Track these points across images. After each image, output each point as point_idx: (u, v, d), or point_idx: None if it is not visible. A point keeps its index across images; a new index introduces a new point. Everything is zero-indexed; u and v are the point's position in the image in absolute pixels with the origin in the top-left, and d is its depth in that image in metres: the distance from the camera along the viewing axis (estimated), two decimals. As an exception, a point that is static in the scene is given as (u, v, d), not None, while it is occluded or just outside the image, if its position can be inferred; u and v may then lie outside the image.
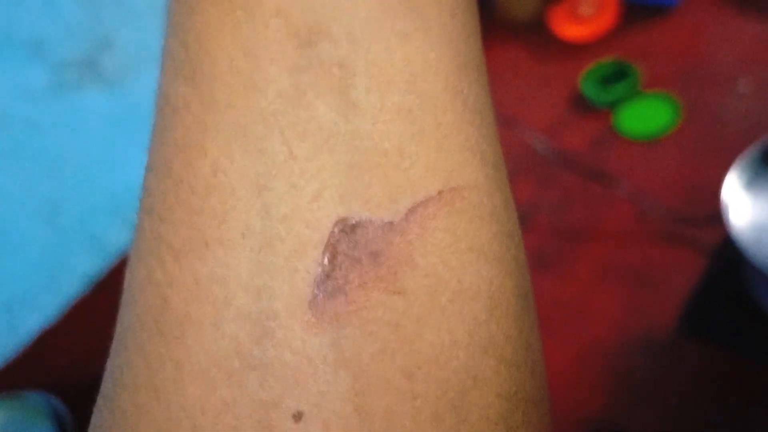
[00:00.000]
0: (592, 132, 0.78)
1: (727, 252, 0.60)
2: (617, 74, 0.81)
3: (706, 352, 0.55)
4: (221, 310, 0.11)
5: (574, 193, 0.72)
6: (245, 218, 0.12)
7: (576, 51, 0.89)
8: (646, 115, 0.76)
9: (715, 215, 0.57)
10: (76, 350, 0.71)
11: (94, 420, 0.13)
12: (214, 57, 0.12)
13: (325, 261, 0.11)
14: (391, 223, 0.11)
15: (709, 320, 0.57)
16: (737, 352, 0.54)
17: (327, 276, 0.11)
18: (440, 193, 0.12)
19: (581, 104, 0.81)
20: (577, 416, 0.55)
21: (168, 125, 0.13)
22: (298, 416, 0.11)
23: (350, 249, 0.11)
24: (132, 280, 0.13)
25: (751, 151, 0.56)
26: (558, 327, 0.61)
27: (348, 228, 0.11)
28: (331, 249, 0.11)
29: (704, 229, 0.63)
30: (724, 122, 0.73)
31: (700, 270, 0.60)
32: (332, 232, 0.11)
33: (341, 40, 0.12)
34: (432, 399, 0.11)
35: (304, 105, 0.12)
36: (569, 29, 0.90)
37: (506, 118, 0.79)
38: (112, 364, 0.13)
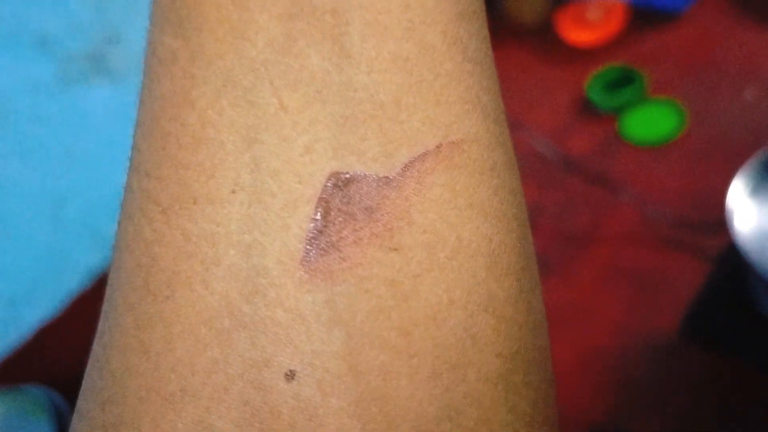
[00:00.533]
0: (597, 137, 0.78)
1: (730, 259, 0.60)
2: (623, 80, 0.81)
3: (709, 358, 0.55)
4: (211, 267, 0.11)
5: (578, 197, 0.72)
6: (234, 173, 0.11)
7: (582, 56, 0.89)
8: (651, 121, 0.76)
9: (719, 222, 0.56)
10: (77, 344, 0.71)
11: (84, 384, 0.13)
12: (202, 5, 0.11)
13: (318, 216, 0.11)
14: (387, 178, 0.11)
15: (711, 326, 0.56)
16: (739, 358, 0.54)
17: (320, 232, 0.11)
18: (439, 146, 0.11)
19: (587, 109, 0.81)
20: (579, 420, 0.55)
21: (155, 78, 0.12)
22: (290, 375, 0.10)
23: (344, 204, 0.11)
24: (121, 239, 0.13)
25: (757, 159, 0.56)
26: (560, 330, 0.61)
27: (342, 182, 0.11)
28: (324, 204, 0.11)
29: (708, 236, 0.63)
30: (730, 129, 0.72)
31: (703, 276, 0.60)
32: (325, 186, 0.11)
33: None
34: (429, 358, 0.10)
35: (295, 54, 0.11)
36: (576, 34, 0.90)
37: (511, 121, 0.78)
38: (101, 326, 0.13)
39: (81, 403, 0.13)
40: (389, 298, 0.10)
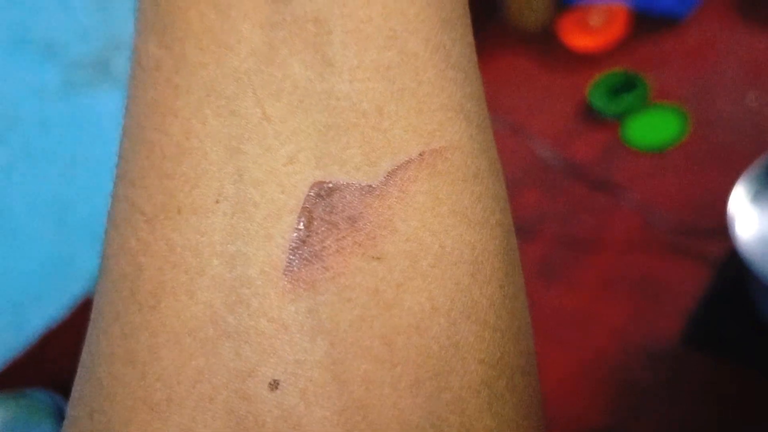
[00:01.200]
0: (599, 143, 0.78)
1: (732, 265, 0.60)
2: (626, 85, 0.81)
3: (711, 364, 0.55)
4: (195, 277, 0.11)
5: (580, 203, 0.72)
6: (218, 183, 0.11)
7: (585, 61, 0.89)
8: (654, 127, 0.76)
9: (721, 228, 0.56)
10: (81, 349, 0.71)
11: (74, 391, 0.13)
12: (186, 14, 0.12)
13: (301, 226, 0.11)
14: (369, 187, 0.11)
15: (713, 333, 0.57)
16: (741, 365, 0.54)
17: (303, 242, 0.11)
18: (421, 154, 0.11)
19: (589, 115, 0.81)
20: (581, 425, 0.55)
21: (140, 87, 0.12)
22: (274, 385, 0.10)
23: (327, 213, 0.11)
24: (107, 248, 0.13)
25: (758, 165, 0.56)
26: (562, 337, 0.61)
27: (324, 192, 0.11)
28: (307, 214, 0.11)
29: (710, 242, 0.63)
30: (733, 134, 0.72)
31: (705, 282, 0.60)
32: (308, 196, 0.11)
33: None
34: (412, 366, 0.10)
35: (277, 63, 0.11)
36: (578, 39, 0.90)
37: (514, 127, 0.79)
38: (89, 334, 0.13)
39: (70, 410, 0.13)
40: (372, 307, 0.10)
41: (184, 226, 0.11)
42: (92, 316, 0.13)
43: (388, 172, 0.11)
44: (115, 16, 0.66)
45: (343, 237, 0.11)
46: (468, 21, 0.13)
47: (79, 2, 0.63)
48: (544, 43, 0.95)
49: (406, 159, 0.11)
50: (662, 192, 0.69)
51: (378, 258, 0.11)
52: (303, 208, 0.11)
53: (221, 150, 0.11)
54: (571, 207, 0.72)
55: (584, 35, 0.90)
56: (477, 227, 0.11)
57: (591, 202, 0.71)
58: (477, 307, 0.11)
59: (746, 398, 0.53)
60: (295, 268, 0.11)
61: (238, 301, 0.11)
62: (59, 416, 0.62)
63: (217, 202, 0.11)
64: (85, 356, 0.13)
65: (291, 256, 0.11)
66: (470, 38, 0.13)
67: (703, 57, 0.83)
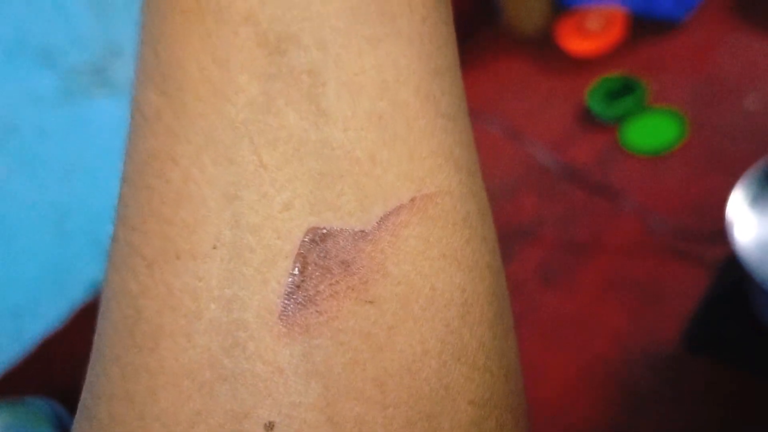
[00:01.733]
0: (598, 147, 0.78)
1: (731, 269, 0.60)
2: (624, 89, 0.81)
3: (711, 368, 0.55)
4: (193, 321, 0.11)
5: (579, 207, 0.72)
6: (216, 229, 0.12)
7: (583, 65, 0.89)
8: (652, 131, 0.76)
9: (720, 231, 0.56)
10: (81, 356, 0.71)
11: (74, 430, 0.13)
12: (185, 65, 0.12)
13: (296, 271, 0.11)
14: (362, 232, 0.11)
15: (713, 337, 0.56)
16: (741, 368, 0.54)
17: (297, 286, 0.11)
18: (413, 199, 0.12)
19: (588, 119, 0.81)
20: (581, 431, 0.55)
21: (140, 134, 0.13)
22: (269, 426, 0.11)
23: (321, 259, 0.11)
24: (107, 290, 0.13)
25: (757, 168, 0.56)
26: (562, 341, 0.61)
27: (319, 237, 0.11)
28: (302, 259, 0.11)
29: (710, 245, 0.63)
30: (731, 138, 0.73)
31: (704, 286, 0.60)
32: (303, 241, 0.11)
33: (311, 47, 0.12)
34: (404, 408, 0.11)
35: (273, 113, 0.12)
36: (576, 44, 0.90)
37: (512, 132, 0.79)
38: (90, 374, 0.13)
39: None
40: (365, 351, 0.11)
41: (182, 270, 0.12)
42: (92, 356, 0.14)
43: (381, 218, 0.11)
44: (113, 23, 0.66)
45: (337, 281, 0.11)
46: (458, 71, 0.14)
47: (77, 9, 0.63)
48: (542, 48, 0.95)
49: (398, 204, 0.11)
50: (661, 196, 0.70)
51: (370, 302, 0.11)
52: (298, 253, 0.11)
53: (219, 196, 0.11)
54: (570, 211, 0.72)
55: (582, 39, 0.90)
56: (467, 270, 0.12)
57: (590, 206, 0.71)
58: (467, 348, 0.11)
59: (746, 401, 0.53)
60: (290, 313, 0.11)
61: (234, 344, 0.11)
62: (57, 424, 0.62)
63: (215, 247, 0.11)
64: (85, 395, 0.13)
65: (286, 301, 0.11)
66: (460, 87, 0.13)
67: (701, 60, 0.83)
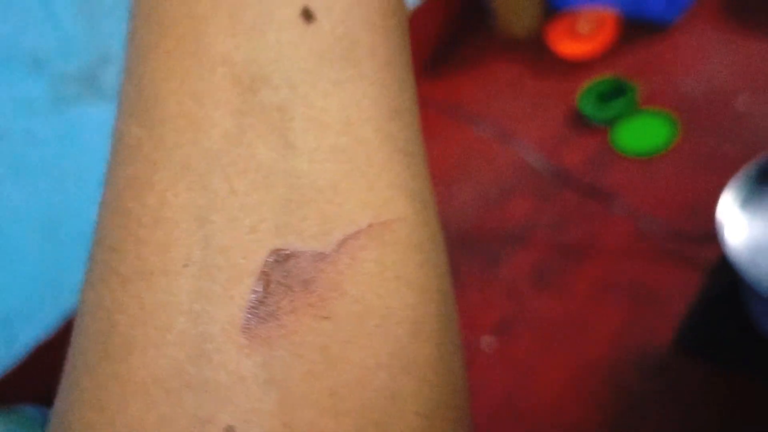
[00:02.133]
0: (589, 149, 0.78)
1: (723, 270, 0.60)
2: (615, 91, 0.81)
3: (703, 369, 0.55)
4: (163, 333, 0.12)
5: (571, 210, 0.72)
6: (187, 249, 0.12)
7: (574, 68, 0.89)
8: (643, 133, 0.76)
9: (712, 233, 0.57)
10: (73, 364, 0.71)
11: None
12: (165, 101, 0.13)
13: (259, 288, 0.12)
14: (323, 254, 0.12)
15: (705, 339, 0.57)
16: (733, 370, 0.54)
17: (260, 302, 0.12)
18: (370, 226, 0.13)
19: (579, 121, 0.82)
20: (574, 434, 0.55)
21: (121, 162, 0.14)
22: (229, 430, 0.11)
23: (283, 277, 0.12)
24: (83, 306, 0.14)
25: (747, 170, 0.56)
26: (556, 344, 0.61)
27: (282, 258, 0.12)
28: (265, 277, 0.12)
29: (702, 247, 0.63)
30: (722, 140, 0.73)
31: (697, 288, 0.60)
32: (266, 261, 0.12)
33: (281, 87, 0.13)
34: (354, 416, 0.12)
35: (245, 145, 0.13)
36: (567, 46, 0.90)
37: (504, 135, 0.79)
38: (63, 385, 0.14)
39: None
40: (321, 363, 0.12)
41: (155, 286, 0.12)
42: (65, 368, 0.14)
43: (340, 241, 0.12)
44: (102, 30, 0.66)
45: (297, 298, 0.12)
46: (416, 109, 0.15)
47: (66, 16, 0.63)
48: (534, 51, 0.95)
49: (357, 230, 0.12)
50: (653, 198, 0.70)
51: (327, 318, 0.12)
52: (261, 271, 0.12)
53: (191, 219, 0.12)
54: (563, 214, 0.72)
55: (573, 42, 0.90)
56: (418, 292, 0.13)
57: (582, 208, 0.71)
58: (416, 363, 0.12)
59: (739, 402, 0.53)
60: (252, 326, 0.12)
61: (200, 354, 0.12)
62: (50, 432, 0.62)
63: (186, 265, 0.12)
64: (57, 405, 0.14)
65: (249, 315, 0.12)
66: (417, 125, 0.15)
67: (692, 62, 0.84)
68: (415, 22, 0.96)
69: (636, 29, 0.90)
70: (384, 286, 0.12)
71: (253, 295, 0.12)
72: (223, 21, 0.13)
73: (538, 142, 0.81)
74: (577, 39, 0.90)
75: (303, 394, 0.12)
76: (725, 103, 0.76)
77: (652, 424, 0.54)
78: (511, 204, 0.75)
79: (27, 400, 0.68)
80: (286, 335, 0.12)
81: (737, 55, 0.82)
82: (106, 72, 0.68)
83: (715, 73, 0.81)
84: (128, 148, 0.14)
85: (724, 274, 0.60)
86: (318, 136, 0.13)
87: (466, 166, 0.82)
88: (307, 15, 0.13)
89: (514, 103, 0.89)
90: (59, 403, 0.14)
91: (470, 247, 0.72)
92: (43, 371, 0.69)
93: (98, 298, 0.13)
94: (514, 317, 0.65)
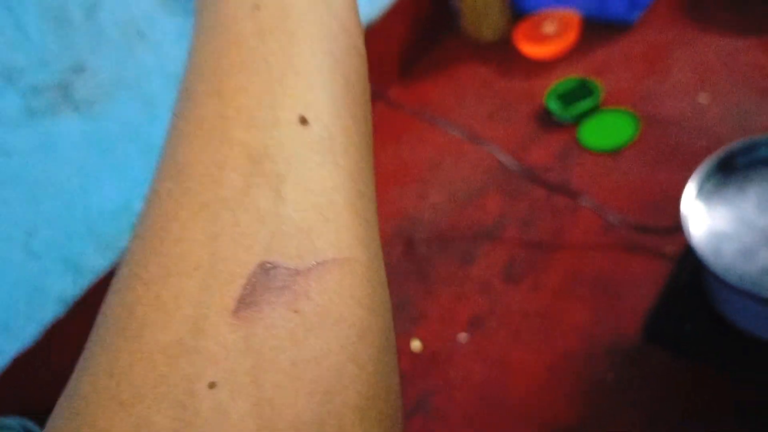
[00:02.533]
0: (557, 146, 0.79)
1: (688, 260, 0.62)
2: (580, 90, 0.83)
3: (670, 359, 0.57)
4: (172, 316, 0.16)
5: (541, 206, 0.74)
6: (198, 258, 0.17)
7: (541, 68, 0.91)
8: (607, 129, 0.78)
9: (676, 225, 0.58)
10: (54, 373, 0.71)
11: (55, 412, 0.17)
12: (194, 166, 0.18)
13: (248, 287, 0.16)
14: (297, 270, 0.17)
15: (672, 329, 0.58)
16: (699, 359, 0.56)
17: (247, 296, 0.16)
18: (335, 259, 0.17)
19: (547, 120, 0.83)
20: (549, 424, 0.56)
21: (152, 206, 0.19)
22: (212, 385, 0.15)
23: (266, 281, 0.16)
24: (106, 308, 0.18)
25: (708, 163, 0.58)
26: (529, 338, 0.63)
27: (267, 268, 0.17)
28: (253, 280, 0.16)
29: (667, 239, 0.64)
30: (684, 134, 0.75)
31: (663, 278, 0.62)
32: (255, 270, 0.17)
33: (280, 162, 0.18)
34: (309, 383, 0.15)
35: (249, 196, 0.18)
36: (533, 48, 0.92)
37: (474, 135, 0.80)
38: (77, 366, 0.17)
39: (49, 422, 0.17)
40: (287, 341, 0.16)
41: (170, 284, 0.17)
42: (80, 359, 0.18)
43: (311, 265, 0.17)
44: (74, 41, 0.66)
45: (274, 296, 0.16)
46: (372, 185, 0.21)
47: (36, 30, 0.63)
48: (501, 53, 0.96)
49: (324, 259, 0.17)
50: (618, 192, 0.71)
51: (296, 311, 0.16)
52: (249, 276, 0.16)
53: (204, 239, 0.17)
54: (532, 210, 0.74)
55: (539, 44, 0.92)
56: (367, 310, 0.17)
57: (551, 204, 0.73)
58: (360, 357, 0.16)
59: (704, 390, 0.54)
60: (239, 311, 0.16)
61: (198, 330, 0.16)
62: (32, 442, 0.62)
63: (196, 269, 0.17)
64: (71, 379, 0.17)
65: (238, 304, 0.16)
66: (373, 198, 0.20)
67: (652, 60, 0.85)
68: (385, 28, 0.97)
69: (599, 29, 0.92)
70: (341, 300, 0.17)
71: (243, 291, 0.16)
72: (243, 121, 0.19)
73: (507, 141, 0.82)
74: (543, 40, 0.92)
75: (271, 361, 0.15)
76: (686, 99, 0.78)
77: (623, 412, 0.55)
78: (482, 202, 0.77)
79: (6, 411, 0.68)
80: (263, 319, 0.16)
81: (696, 51, 0.84)
82: (79, 82, 0.68)
83: (675, 69, 0.83)
84: (160, 197, 0.19)
85: (688, 264, 0.62)
86: (302, 195, 0.18)
87: (439, 167, 0.84)
88: (303, 120, 0.19)
89: (484, 104, 0.90)
90: (73, 377, 0.17)
91: (444, 246, 0.73)
92: (24, 382, 0.69)
93: (121, 298, 0.17)
94: (488, 312, 0.66)
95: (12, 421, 0.66)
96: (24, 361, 0.69)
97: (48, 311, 0.70)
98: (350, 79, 0.21)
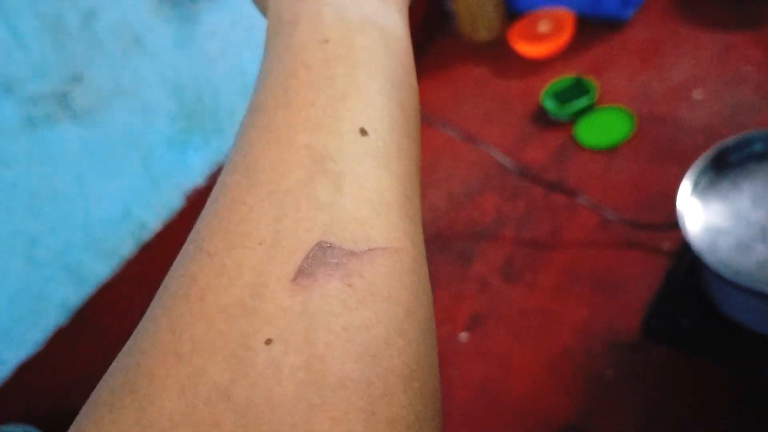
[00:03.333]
0: (554, 145, 0.79)
1: (685, 256, 0.62)
2: (576, 88, 0.83)
3: (668, 352, 0.57)
4: (234, 281, 0.18)
5: (538, 204, 0.74)
6: (262, 236, 0.18)
7: (536, 67, 0.91)
8: (603, 127, 0.78)
9: (672, 221, 0.58)
10: (57, 380, 0.71)
11: (111, 368, 0.18)
12: (263, 162, 0.20)
13: (307, 260, 0.18)
14: (352, 251, 0.18)
15: (670, 324, 0.58)
16: (697, 354, 0.56)
17: (305, 267, 0.18)
18: (385, 248, 0.19)
19: (543, 119, 0.83)
20: (549, 421, 0.56)
21: (220, 195, 0.20)
22: (268, 341, 0.16)
23: (323, 257, 0.18)
24: (168, 279, 0.19)
25: (704, 159, 0.58)
26: (528, 335, 0.63)
27: (324, 246, 0.18)
28: (312, 254, 0.18)
29: (663, 234, 0.64)
30: (678, 131, 0.75)
31: (660, 274, 0.62)
32: (313, 247, 0.18)
33: (340, 162, 0.20)
34: (358, 347, 0.16)
35: (310, 188, 0.19)
36: (529, 47, 0.92)
37: (470, 135, 0.80)
38: (136, 332, 0.18)
39: (104, 378, 0.18)
40: (339, 309, 0.17)
41: (234, 256, 0.18)
42: (141, 323, 0.19)
43: (365, 249, 0.18)
44: (72, 51, 0.66)
45: (330, 270, 0.18)
46: (418, 187, 0.23)
47: (35, 39, 0.63)
48: (497, 53, 0.96)
49: (376, 246, 0.19)
50: (615, 189, 0.71)
51: (349, 285, 0.17)
52: (309, 251, 0.18)
53: (269, 220, 0.19)
54: (530, 209, 0.74)
55: (534, 43, 0.92)
56: (413, 294, 0.19)
57: (548, 203, 0.73)
58: (406, 332, 0.18)
59: (703, 385, 0.54)
60: (298, 280, 0.17)
61: (258, 294, 0.17)
62: (37, 449, 0.62)
63: (260, 243, 0.18)
64: (127, 345, 0.18)
65: (296, 274, 0.17)
66: (418, 196, 0.22)
67: (647, 57, 0.85)
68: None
69: (593, 28, 0.92)
70: (390, 282, 0.18)
71: (302, 263, 0.18)
72: (308, 128, 0.21)
73: (504, 140, 0.82)
74: (538, 40, 0.92)
75: (324, 324, 0.17)
76: (680, 95, 0.78)
77: (623, 408, 0.55)
78: (480, 202, 0.77)
79: (12, 419, 0.68)
80: (319, 287, 0.17)
81: (690, 47, 0.84)
82: (77, 91, 0.68)
83: (669, 66, 0.83)
84: (228, 187, 0.20)
85: (685, 260, 0.62)
86: (358, 191, 0.20)
87: (435, 168, 0.84)
88: (362, 131, 0.21)
89: (480, 104, 0.90)
90: (131, 339, 0.18)
91: (443, 246, 0.73)
92: (28, 390, 0.69)
93: (185, 270, 0.19)
94: (487, 311, 0.66)
95: (16, 429, 0.66)
96: (27, 369, 0.69)
97: (50, 319, 0.70)
98: (404, 104, 0.23)
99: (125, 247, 0.74)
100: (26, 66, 0.64)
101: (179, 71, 0.76)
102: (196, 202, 0.81)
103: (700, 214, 0.56)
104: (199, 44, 0.77)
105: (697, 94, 0.78)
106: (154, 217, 0.77)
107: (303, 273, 0.17)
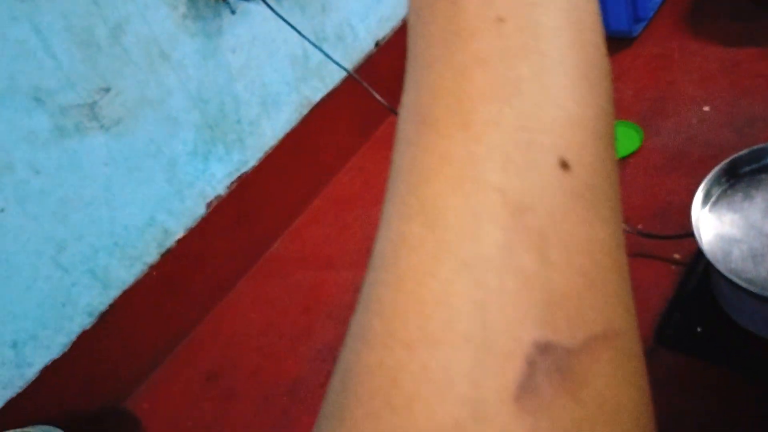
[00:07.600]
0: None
1: (698, 266, 0.61)
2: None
3: (682, 361, 0.56)
4: (445, 392, 0.14)
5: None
6: (467, 328, 0.15)
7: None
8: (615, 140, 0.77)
9: (685, 231, 0.57)
10: (82, 383, 0.70)
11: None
12: (446, 211, 0.16)
13: (528, 369, 0.14)
14: (571, 349, 0.14)
15: (682, 330, 0.57)
16: (710, 360, 0.55)
17: (527, 379, 0.14)
18: (605, 334, 0.15)
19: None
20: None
21: (401, 255, 0.16)
22: None
23: (543, 362, 0.14)
24: (356, 366, 0.16)
25: (716, 171, 0.57)
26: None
27: (542, 347, 0.14)
28: (531, 360, 0.14)
29: (674, 244, 0.63)
30: (686, 144, 0.74)
31: (673, 283, 0.61)
32: (531, 348, 0.14)
33: (542, 215, 0.15)
34: None
35: (512, 256, 0.15)
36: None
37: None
38: (324, 413, 0.16)
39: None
40: None
41: (438, 354, 0.15)
42: (325, 414, 0.16)
43: (582, 342, 0.14)
44: (100, 63, 0.66)
45: (555, 382, 0.14)
46: (622, 237, 0.17)
47: (65, 51, 0.63)
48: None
49: (595, 334, 0.15)
50: (625, 200, 0.70)
51: (577, 402, 0.14)
52: (527, 355, 0.14)
53: (471, 305, 0.15)
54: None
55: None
56: (640, 392, 0.15)
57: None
58: None
59: (716, 391, 0.53)
60: (522, 398, 0.14)
61: (479, 416, 0.14)
62: (63, 450, 0.61)
63: (466, 341, 0.14)
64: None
65: (519, 389, 0.14)
66: (624, 252, 0.17)
67: (655, 72, 0.85)
68: (396, 44, 0.97)
69: (603, 43, 0.91)
70: (616, 384, 0.15)
71: (522, 374, 0.14)
72: (497, 161, 0.16)
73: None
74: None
75: None
76: (689, 109, 0.78)
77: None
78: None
79: (38, 421, 0.68)
80: (548, 409, 0.14)
81: (699, 62, 0.83)
82: (105, 101, 0.68)
83: (678, 81, 0.82)
84: (408, 242, 0.16)
85: (698, 269, 0.61)
86: (566, 256, 0.15)
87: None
88: (564, 164, 0.16)
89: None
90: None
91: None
92: (53, 392, 0.68)
93: (379, 360, 0.15)
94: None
95: (44, 430, 0.66)
96: (53, 372, 0.68)
97: (76, 323, 0.70)
98: (606, 110, 0.18)
99: (149, 253, 0.74)
100: (57, 78, 0.64)
101: (203, 84, 0.75)
102: (218, 210, 0.81)
103: (713, 224, 0.55)
104: (222, 58, 0.77)
105: (706, 108, 0.77)
106: (177, 225, 0.76)
107: (526, 388, 0.14)
